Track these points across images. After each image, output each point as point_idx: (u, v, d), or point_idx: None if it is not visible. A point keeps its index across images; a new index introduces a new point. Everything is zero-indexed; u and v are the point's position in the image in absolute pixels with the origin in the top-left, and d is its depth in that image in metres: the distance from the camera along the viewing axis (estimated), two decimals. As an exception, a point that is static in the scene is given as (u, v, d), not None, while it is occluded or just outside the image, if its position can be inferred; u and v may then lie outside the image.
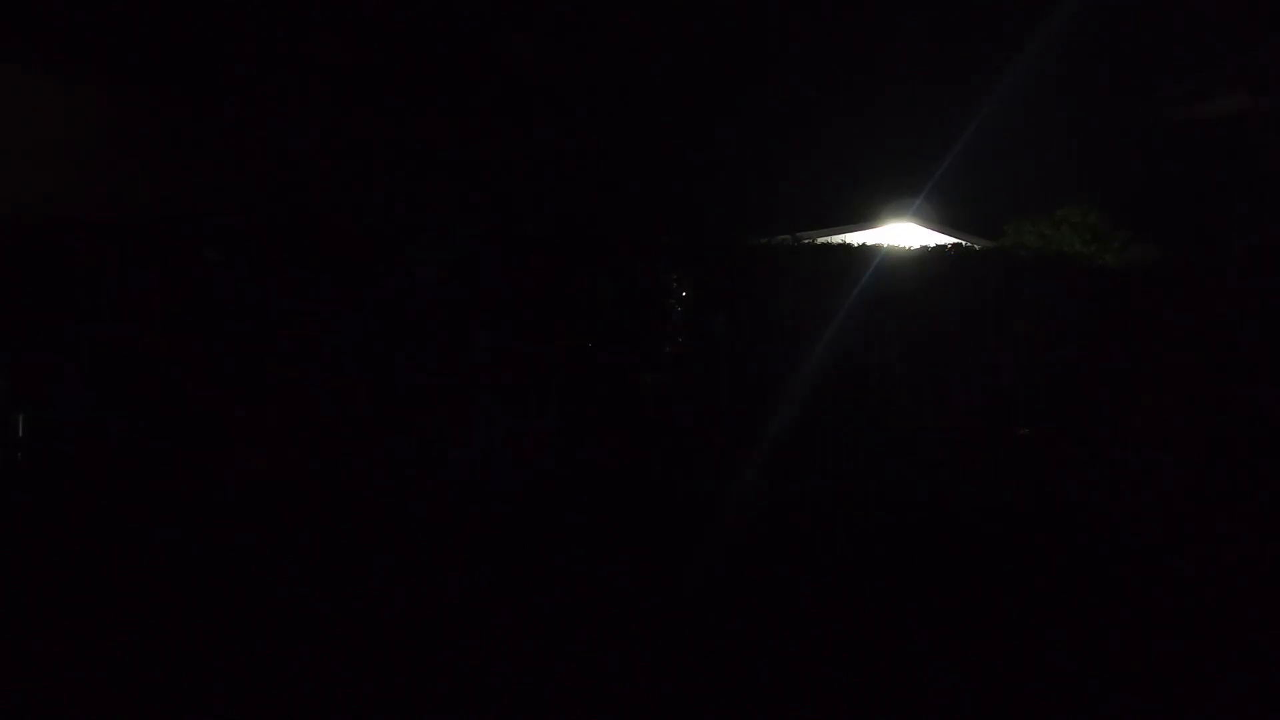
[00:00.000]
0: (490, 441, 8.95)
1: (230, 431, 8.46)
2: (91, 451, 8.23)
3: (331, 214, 9.07)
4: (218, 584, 4.22)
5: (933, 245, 10.25)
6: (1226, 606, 4.11)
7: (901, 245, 10.19)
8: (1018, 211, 17.04)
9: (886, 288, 9.71)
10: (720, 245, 9.46)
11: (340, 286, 8.65)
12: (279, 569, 4.55)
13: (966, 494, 7.13)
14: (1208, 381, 8.07)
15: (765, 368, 9.53)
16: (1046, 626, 3.77)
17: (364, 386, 8.68)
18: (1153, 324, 9.47)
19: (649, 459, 8.70)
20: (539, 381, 9.00)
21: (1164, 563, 4.97)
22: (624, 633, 3.58)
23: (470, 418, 8.88)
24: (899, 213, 17.46)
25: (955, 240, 13.35)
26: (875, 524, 5.89)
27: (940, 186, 17.91)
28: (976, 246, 10.92)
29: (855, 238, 11.44)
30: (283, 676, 3.15)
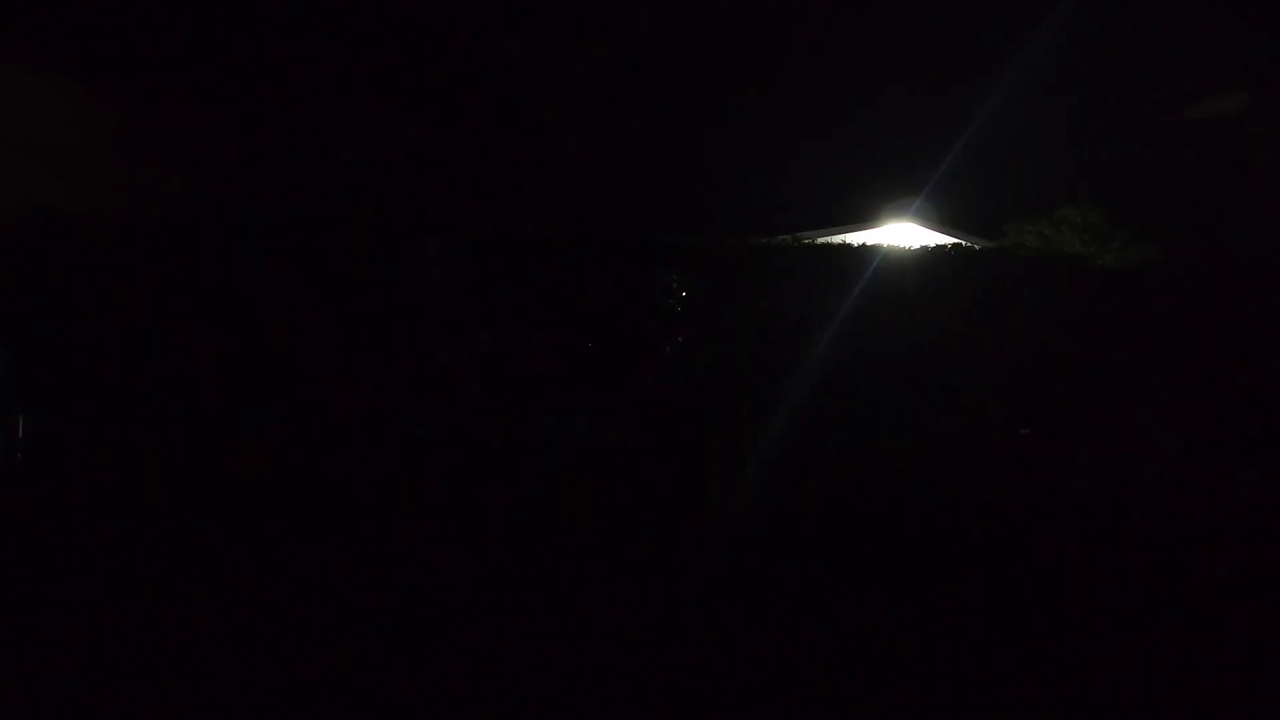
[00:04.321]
0: (489, 440, 8.96)
1: (231, 430, 8.47)
2: (91, 451, 8.24)
3: (334, 214, 9.07)
4: (217, 584, 4.23)
5: (933, 245, 10.26)
6: (1233, 604, 4.12)
7: (901, 245, 10.20)
8: (1018, 211, 17.03)
9: (887, 288, 9.72)
10: (720, 245, 9.47)
11: (342, 287, 8.66)
12: (281, 568, 4.55)
13: (968, 492, 7.14)
14: (1210, 381, 8.07)
15: (766, 368, 9.54)
16: (1050, 626, 3.77)
17: (365, 386, 8.69)
18: (1153, 324, 9.48)
19: (649, 458, 8.70)
20: (538, 381, 9.01)
21: (1166, 561, 4.98)
22: (624, 632, 3.59)
23: (470, 416, 8.89)
24: (899, 213, 17.44)
25: (955, 240, 13.37)
26: (877, 523, 5.89)
27: (940, 186, 17.91)
28: (976, 246, 10.93)
29: (855, 238, 11.45)
30: (281, 678, 3.15)
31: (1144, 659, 3.41)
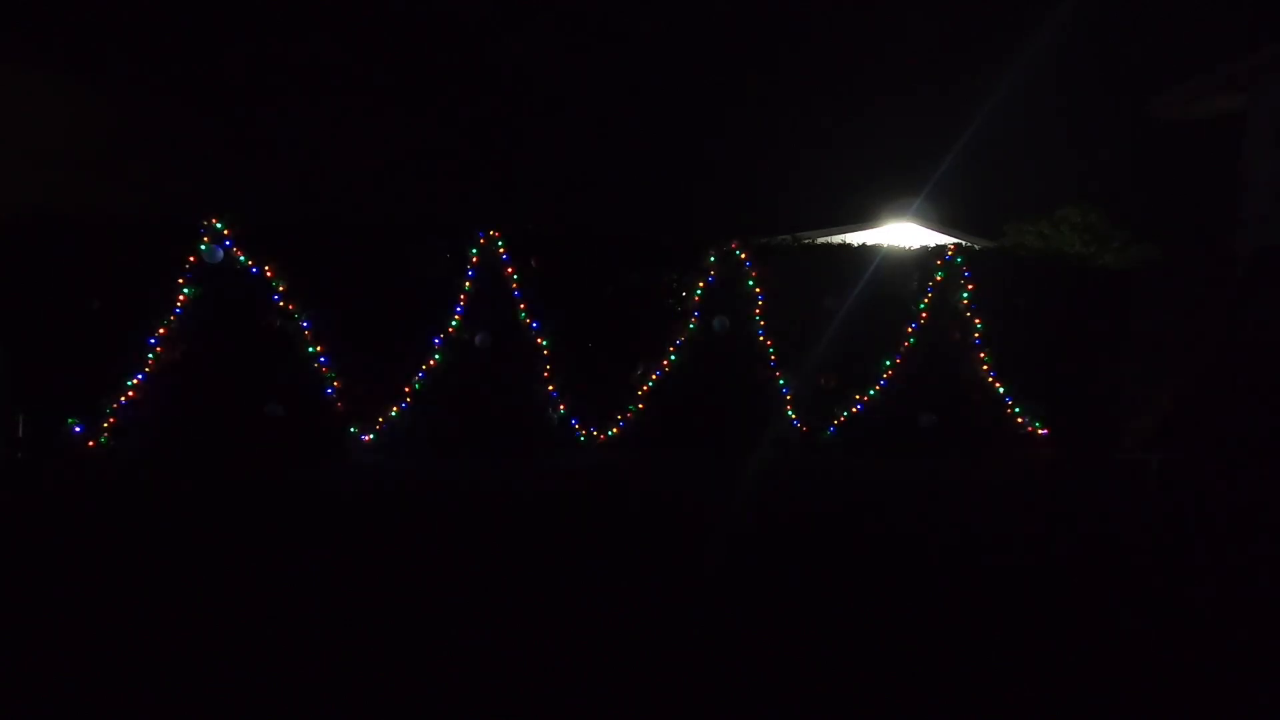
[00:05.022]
0: (490, 439, 8.96)
1: (231, 430, 8.47)
2: (91, 450, 8.24)
3: (333, 213, 9.08)
4: (217, 583, 4.23)
5: (933, 245, 10.27)
6: (1233, 607, 4.12)
7: (901, 245, 10.21)
8: (1018, 211, 17.08)
9: (887, 288, 9.73)
10: (720, 245, 9.47)
11: (342, 286, 8.66)
12: (281, 568, 4.56)
13: (968, 492, 7.15)
14: (1211, 380, 8.07)
15: (766, 367, 9.55)
16: (1051, 626, 3.78)
17: (364, 386, 8.69)
18: (1153, 324, 9.49)
19: (649, 456, 8.71)
20: (539, 379, 9.01)
21: (1166, 561, 4.99)
22: (624, 632, 3.59)
23: (469, 415, 8.90)
24: (899, 213, 17.49)
25: (955, 240, 13.41)
26: (877, 523, 5.90)
27: (940, 186, 17.95)
28: (976, 246, 10.94)
29: (855, 238, 11.46)
30: (281, 678, 3.15)
31: (1144, 659, 3.41)
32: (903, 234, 16.21)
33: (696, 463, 8.43)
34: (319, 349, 8.58)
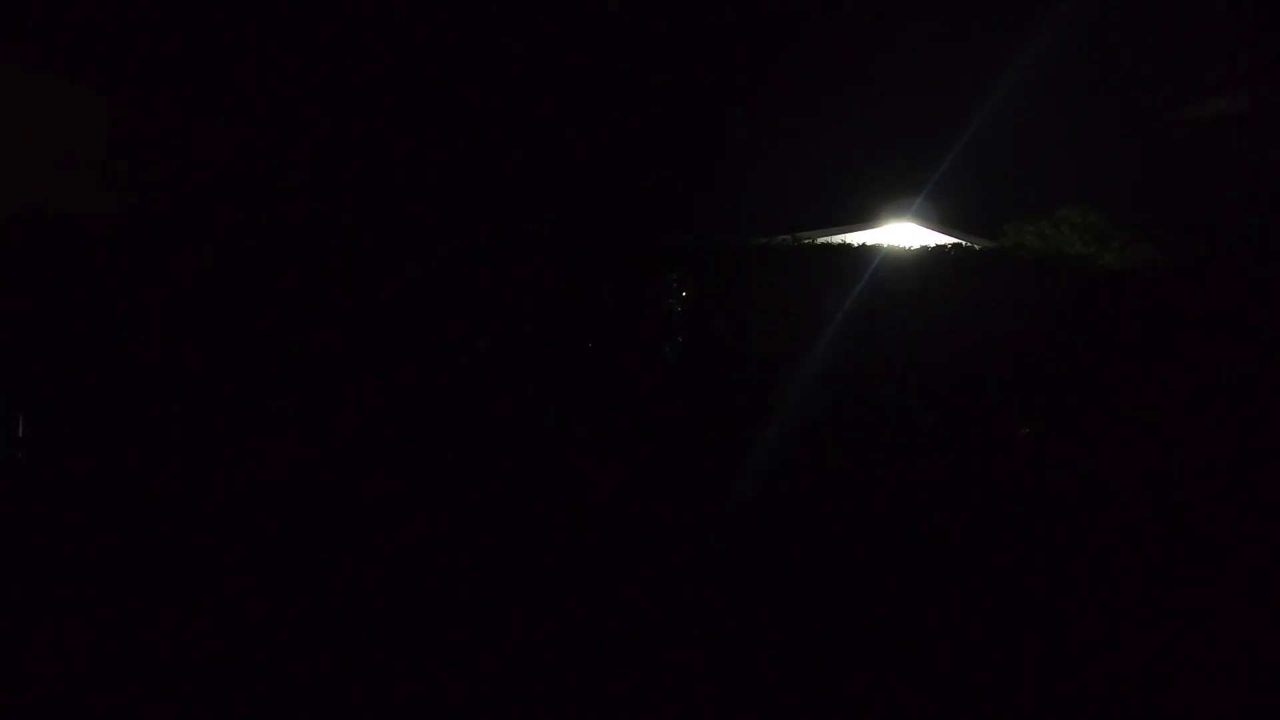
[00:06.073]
0: (490, 441, 8.95)
1: (231, 430, 8.47)
2: (92, 451, 8.24)
3: (333, 213, 9.09)
4: (217, 583, 4.23)
5: (933, 245, 10.24)
6: (1232, 608, 4.12)
7: (901, 245, 10.19)
8: (1018, 211, 17.05)
9: (887, 288, 9.70)
10: (720, 245, 9.46)
11: (342, 287, 8.66)
12: (281, 568, 4.56)
13: (968, 492, 7.15)
14: (1212, 381, 8.07)
15: (765, 368, 9.53)
16: (1050, 626, 3.78)
17: (364, 387, 8.69)
18: (1154, 324, 9.48)
19: (649, 458, 8.70)
20: (539, 382, 9.00)
21: (1165, 564, 4.98)
22: (624, 632, 3.59)
23: (471, 417, 8.89)
24: (899, 213, 17.46)
25: (955, 240, 13.41)
26: (876, 523, 5.90)
27: (940, 186, 17.94)
28: (976, 246, 10.92)
29: (855, 238, 11.43)
30: (281, 678, 3.15)
31: (1143, 659, 3.41)
32: (903, 234, 16.20)
33: (696, 462, 8.42)
34: (318, 350, 8.57)
